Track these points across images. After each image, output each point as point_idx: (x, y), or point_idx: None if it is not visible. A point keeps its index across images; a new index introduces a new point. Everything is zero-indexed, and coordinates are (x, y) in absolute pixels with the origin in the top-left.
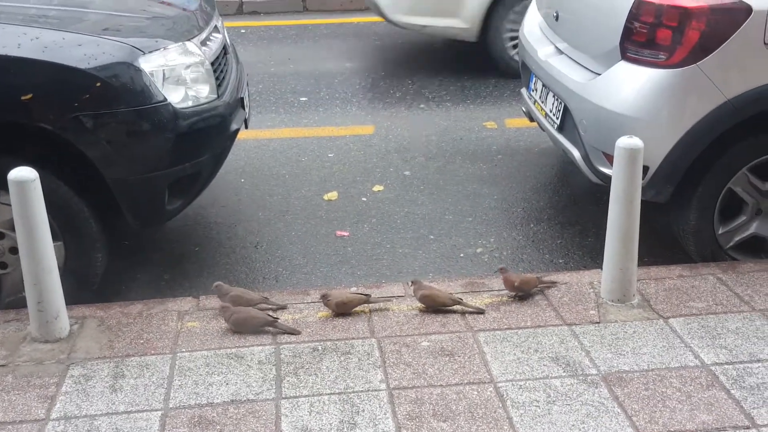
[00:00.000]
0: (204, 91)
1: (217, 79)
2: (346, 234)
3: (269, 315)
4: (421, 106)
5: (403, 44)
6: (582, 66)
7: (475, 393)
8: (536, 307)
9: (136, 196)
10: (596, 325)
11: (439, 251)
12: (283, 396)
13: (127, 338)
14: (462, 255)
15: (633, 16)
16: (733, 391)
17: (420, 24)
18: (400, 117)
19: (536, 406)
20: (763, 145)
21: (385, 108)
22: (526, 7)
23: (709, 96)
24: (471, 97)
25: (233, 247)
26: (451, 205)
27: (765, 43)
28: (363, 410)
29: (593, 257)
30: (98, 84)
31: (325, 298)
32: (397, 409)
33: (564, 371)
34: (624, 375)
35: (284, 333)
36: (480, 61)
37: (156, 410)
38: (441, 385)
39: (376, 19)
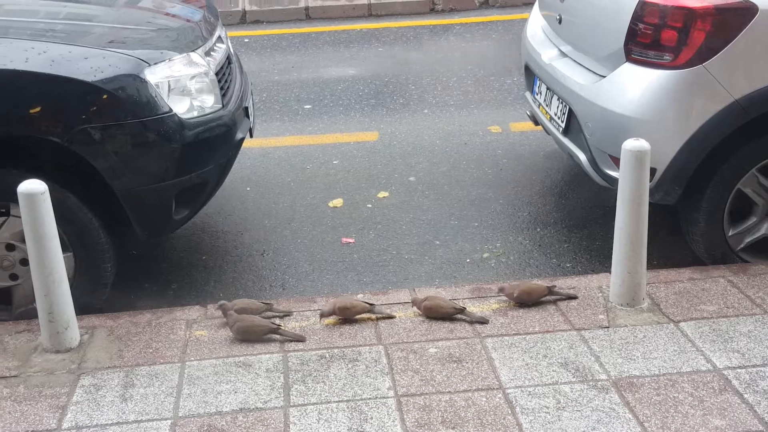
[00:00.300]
0: (209, 101)
1: (221, 89)
2: (351, 241)
3: (273, 322)
4: (425, 111)
5: (405, 50)
6: (586, 68)
7: (484, 399)
8: (544, 312)
9: (144, 207)
10: (605, 329)
11: (445, 257)
12: (292, 404)
13: (136, 347)
14: (468, 260)
15: (637, 17)
16: (746, 396)
17: None
18: (404, 123)
19: (546, 412)
20: None
21: (389, 114)
22: None
23: (716, 96)
24: (475, 101)
25: (240, 255)
26: (457, 210)
27: None
28: (371, 418)
29: (601, 261)
30: (105, 96)
31: (328, 311)
32: (405, 416)
33: (573, 377)
34: (635, 380)
35: (289, 340)
36: (484, 65)
37: (165, 419)
38: (449, 392)
39: (379, 25)
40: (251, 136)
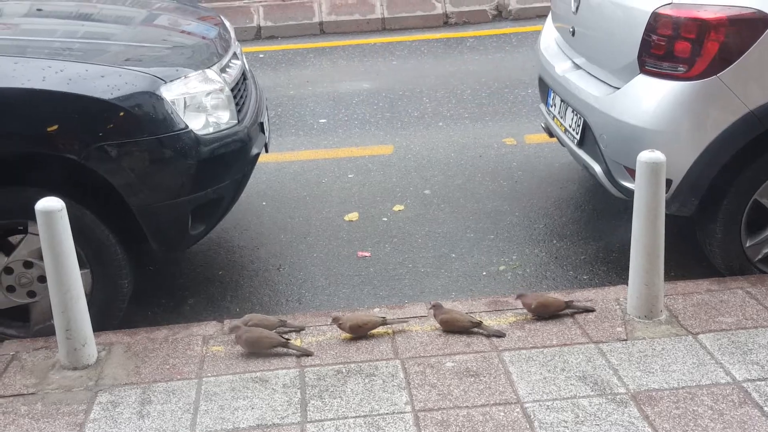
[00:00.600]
0: (224, 117)
1: (237, 104)
2: (367, 254)
3: (282, 336)
4: (440, 124)
5: (419, 63)
6: (600, 80)
7: (502, 414)
8: (562, 325)
9: (161, 222)
10: (623, 342)
11: (462, 270)
12: (309, 420)
13: (153, 364)
14: (484, 273)
15: (650, 29)
16: (766, 408)
17: None
18: (419, 136)
19: (564, 426)
20: None
21: (403, 127)
22: None
23: (731, 107)
24: (489, 113)
25: (256, 270)
26: (473, 223)
27: None
28: None
29: (618, 273)
30: (122, 114)
31: (336, 321)
32: (423, 431)
33: (592, 390)
34: (654, 393)
35: (297, 354)
36: (498, 78)
37: None
38: (467, 407)
39: (393, 39)
40: (267, 151)
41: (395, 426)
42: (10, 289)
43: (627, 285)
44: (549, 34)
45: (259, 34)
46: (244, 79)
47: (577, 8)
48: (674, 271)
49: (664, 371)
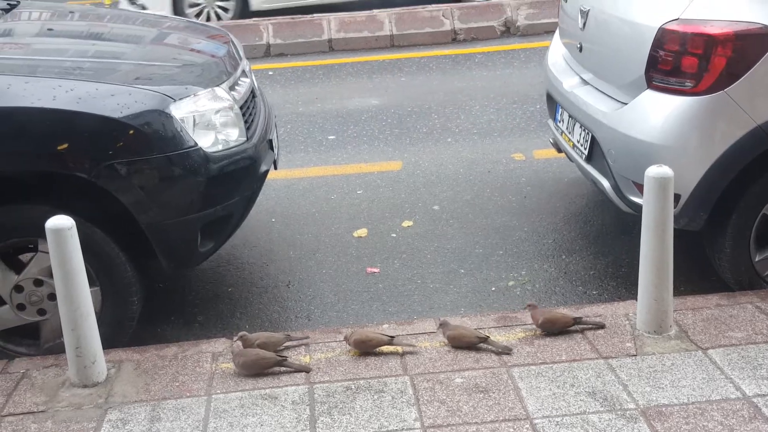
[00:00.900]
0: (233, 135)
1: (246, 122)
2: (376, 270)
3: (279, 354)
4: (448, 140)
5: (427, 79)
6: (608, 96)
7: (511, 430)
8: (571, 341)
9: (170, 240)
10: (633, 357)
11: (470, 285)
12: None
13: (162, 381)
14: (493, 289)
15: (657, 44)
16: None
17: None
18: (428, 152)
19: None
20: None
21: (412, 143)
22: None
23: (738, 122)
24: (498, 129)
25: (265, 286)
26: (481, 239)
27: None
28: None
29: (628, 288)
30: (131, 132)
31: (347, 339)
32: None
33: (601, 406)
34: (663, 409)
35: (294, 371)
36: (506, 93)
37: None
38: (476, 423)
39: (402, 56)
40: (276, 168)
41: None
42: (21, 307)
43: (636, 300)
44: (557, 50)
45: (268, 52)
46: (253, 96)
47: (584, 24)
48: (683, 286)
49: (674, 386)
